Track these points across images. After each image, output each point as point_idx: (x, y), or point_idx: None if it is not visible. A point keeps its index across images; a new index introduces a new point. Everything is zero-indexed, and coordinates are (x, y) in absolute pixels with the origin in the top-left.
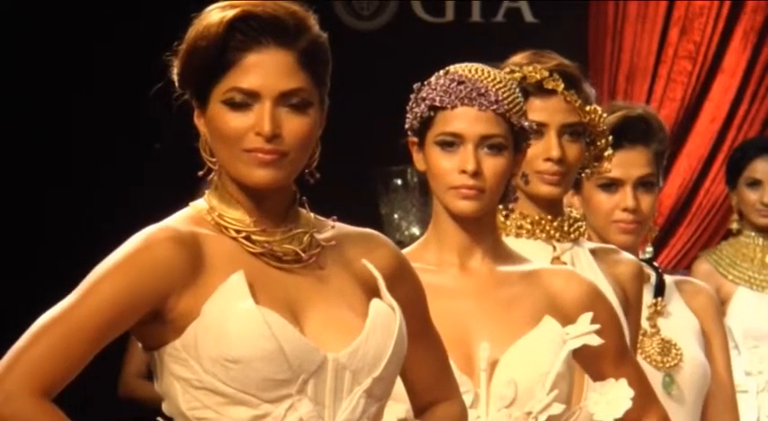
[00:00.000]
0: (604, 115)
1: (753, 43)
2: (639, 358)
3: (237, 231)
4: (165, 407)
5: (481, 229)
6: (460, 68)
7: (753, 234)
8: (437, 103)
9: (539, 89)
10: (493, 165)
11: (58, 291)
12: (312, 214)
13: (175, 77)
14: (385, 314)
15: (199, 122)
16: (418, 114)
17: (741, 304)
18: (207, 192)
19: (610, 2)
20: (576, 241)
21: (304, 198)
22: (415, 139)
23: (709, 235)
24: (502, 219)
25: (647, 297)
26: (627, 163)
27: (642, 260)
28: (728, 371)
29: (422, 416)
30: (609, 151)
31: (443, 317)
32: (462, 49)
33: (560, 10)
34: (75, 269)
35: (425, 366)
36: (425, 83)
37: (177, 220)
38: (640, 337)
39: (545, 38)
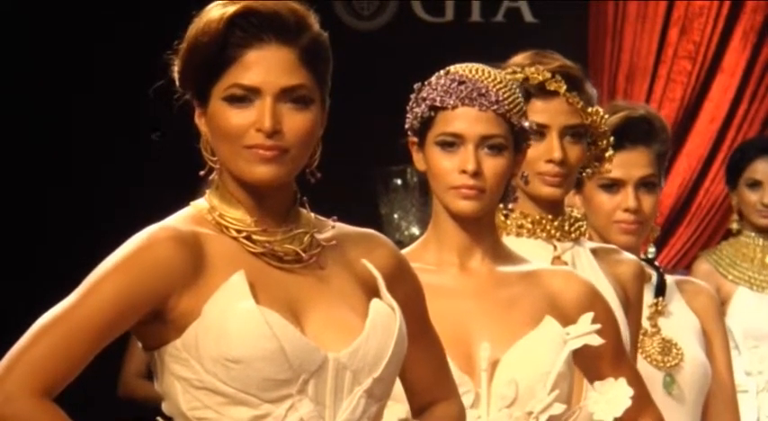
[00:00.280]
0: (606, 116)
1: (752, 43)
2: (640, 358)
3: (238, 231)
4: (165, 407)
5: (481, 230)
6: (461, 68)
7: (753, 234)
8: (437, 103)
9: (541, 90)
10: (493, 165)
11: (58, 291)
12: (312, 214)
13: (176, 76)
14: (385, 314)
15: (200, 122)
16: (418, 114)
17: (741, 304)
18: (208, 191)
19: (609, 2)
20: (576, 241)
21: (305, 198)
22: (416, 139)
23: (708, 235)
24: (502, 218)
25: (648, 297)
26: (629, 163)
27: (643, 260)
28: (729, 370)
29: (420, 417)
30: (610, 152)
31: (443, 317)
32: (462, 49)
33: (560, 10)
34: (75, 269)
35: (424, 366)
36: (426, 83)
37: (178, 220)
38: (641, 337)
39: (545, 38)
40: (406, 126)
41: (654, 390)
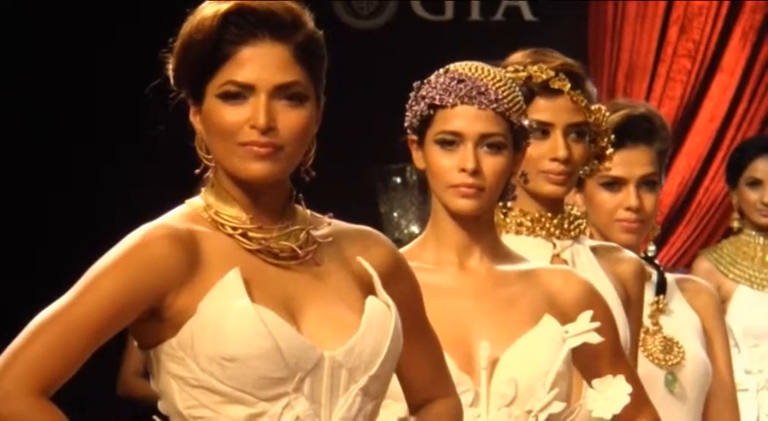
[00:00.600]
0: (608, 114)
1: (752, 42)
2: (642, 356)
3: (234, 228)
4: (161, 406)
5: (480, 228)
6: (460, 67)
7: (753, 233)
8: (437, 102)
9: (544, 89)
10: (492, 163)
11: (58, 290)
12: (309, 211)
13: (171, 74)
14: (381, 312)
15: (195, 120)
16: (418, 112)
17: (741, 303)
18: (203, 189)
19: (609, 1)
20: (576, 238)
21: (300, 195)
22: (415, 138)
23: (708, 233)
24: (501, 216)
25: (649, 295)
26: (630, 162)
27: (643, 258)
28: (730, 369)
29: (418, 414)
30: (610, 150)
31: (442, 317)
32: (462, 48)
33: (560, 9)
34: (76, 269)
35: (421, 364)
36: (425, 81)
37: (174, 218)
38: (642, 335)
39: (544, 36)
40: (406, 124)
41: (655, 389)
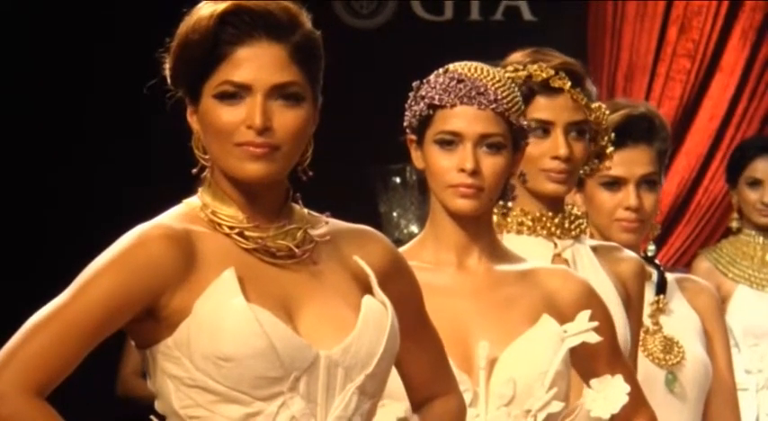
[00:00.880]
0: (607, 112)
1: (751, 41)
2: (642, 356)
3: (231, 228)
4: (158, 406)
5: (479, 228)
6: (460, 67)
7: (753, 232)
8: (436, 102)
9: (545, 88)
10: (491, 163)
11: (57, 290)
12: (306, 210)
13: (167, 73)
14: (377, 310)
15: (191, 120)
16: (417, 112)
17: (741, 302)
18: (200, 189)
19: (609, 0)
20: (577, 238)
21: (298, 194)
22: (414, 137)
23: (707, 233)
24: (501, 216)
25: (649, 294)
26: (630, 161)
27: (643, 257)
28: (730, 369)
29: (420, 412)
30: (610, 148)
31: (440, 316)
32: (461, 48)
33: (559, 9)
34: (76, 269)
35: (422, 362)
36: (424, 81)
37: (170, 217)
38: (642, 335)
39: (544, 36)
40: (405, 124)
41: (656, 388)
